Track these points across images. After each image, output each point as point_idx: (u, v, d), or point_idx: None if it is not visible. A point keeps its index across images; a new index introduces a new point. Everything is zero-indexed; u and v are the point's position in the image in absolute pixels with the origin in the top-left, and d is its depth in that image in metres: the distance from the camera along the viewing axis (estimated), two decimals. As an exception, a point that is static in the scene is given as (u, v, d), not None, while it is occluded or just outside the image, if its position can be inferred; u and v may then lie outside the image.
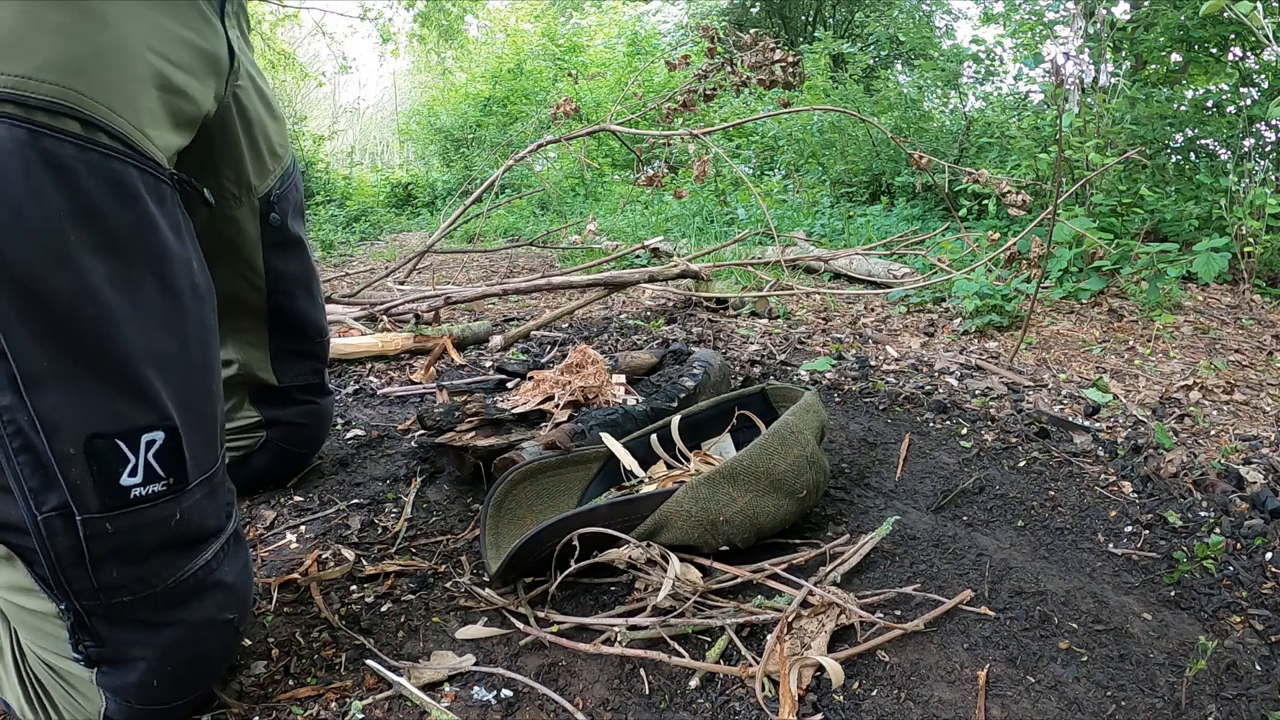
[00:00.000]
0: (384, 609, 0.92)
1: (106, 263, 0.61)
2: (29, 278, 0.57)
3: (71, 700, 0.69)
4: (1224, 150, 3.90)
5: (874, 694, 0.78)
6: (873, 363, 1.96)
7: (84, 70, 0.61)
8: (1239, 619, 0.93)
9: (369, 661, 0.83)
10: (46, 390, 0.57)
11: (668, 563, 0.90)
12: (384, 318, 2.24)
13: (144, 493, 0.62)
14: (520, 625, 0.87)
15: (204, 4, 0.78)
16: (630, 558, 0.93)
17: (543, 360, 1.89)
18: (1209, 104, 4.03)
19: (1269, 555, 1.06)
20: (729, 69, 2.53)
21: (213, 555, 0.70)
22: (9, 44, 0.58)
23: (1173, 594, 0.98)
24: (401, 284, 2.95)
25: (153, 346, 0.64)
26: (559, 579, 0.91)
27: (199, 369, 0.69)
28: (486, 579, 0.97)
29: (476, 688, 0.79)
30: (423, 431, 1.34)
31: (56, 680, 0.69)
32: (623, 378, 1.45)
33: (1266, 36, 2.00)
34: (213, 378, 0.71)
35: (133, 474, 0.61)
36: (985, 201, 3.84)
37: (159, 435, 0.63)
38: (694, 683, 0.79)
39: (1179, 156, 4.06)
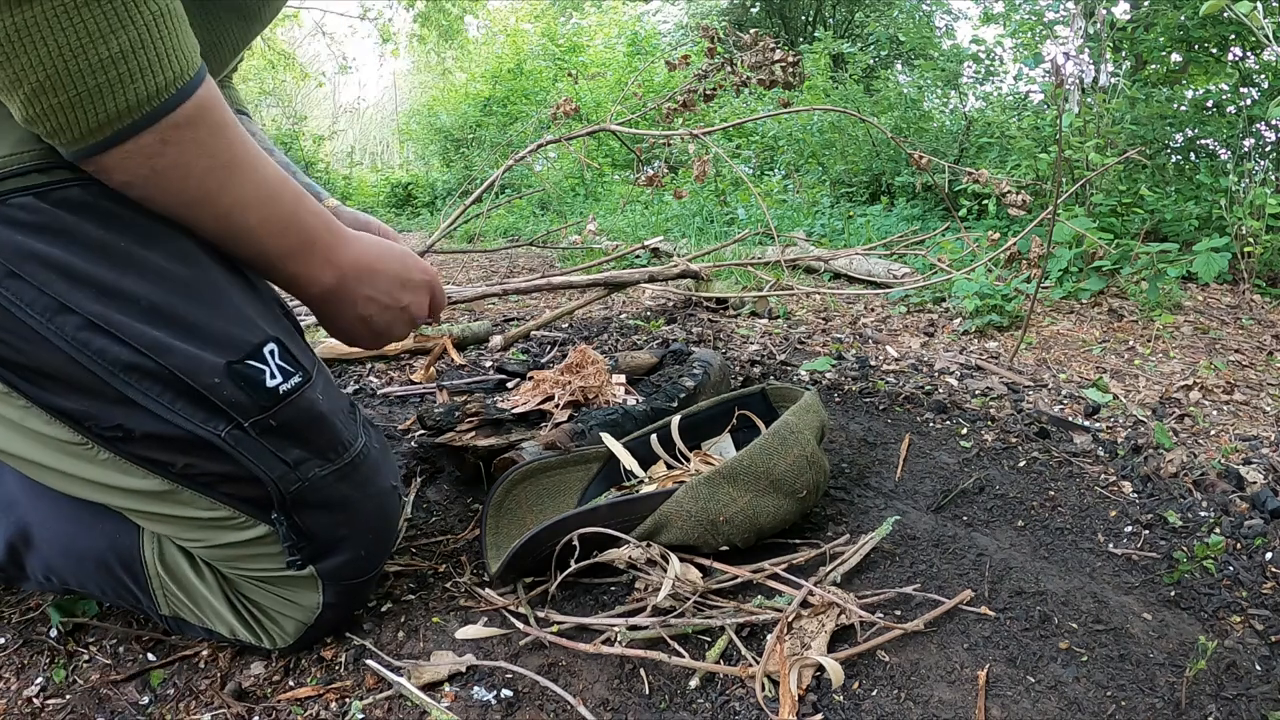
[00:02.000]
0: (384, 609, 0.92)
1: (156, 248, 0.71)
2: (109, 283, 0.68)
3: (290, 603, 0.81)
4: (1224, 150, 3.90)
5: (874, 694, 0.78)
6: (873, 363, 1.96)
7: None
8: (1239, 619, 0.93)
9: (369, 661, 0.83)
10: (172, 351, 0.69)
11: (668, 563, 0.90)
12: (384, 318, 2.23)
13: (289, 386, 0.75)
14: (520, 625, 0.87)
15: None
16: (630, 558, 0.93)
17: (543, 360, 1.89)
18: (1209, 104, 4.03)
19: (1269, 555, 1.06)
20: (729, 69, 2.53)
21: (366, 436, 0.83)
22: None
23: (1173, 594, 0.98)
24: (401, 284, 2.94)
25: (230, 287, 0.75)
26: (559, 579, 0.91)
27: (252, 295, 0.79)
28: (486, 579, 0.97)
29: (476, 688, 0.79)
30: (423, 431, 1.34)
31: (274, 591, 0.81)
32: (623, 378, 1.45)
33: (1266, 36, 2.00)
34: (269, 301, 0.82)
35: (273, 377, 0.74)
36: (985, 201, 3.84)
37: (274, 344, 0.75)
38: (694, 683, 0.79)
39: (1179, 156, 4.06)
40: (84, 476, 0.73)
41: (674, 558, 0.90)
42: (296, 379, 0.76)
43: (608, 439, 1.13)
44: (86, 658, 0.85)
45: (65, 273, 0.66)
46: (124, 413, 0.69)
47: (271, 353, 0.75)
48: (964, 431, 1.50)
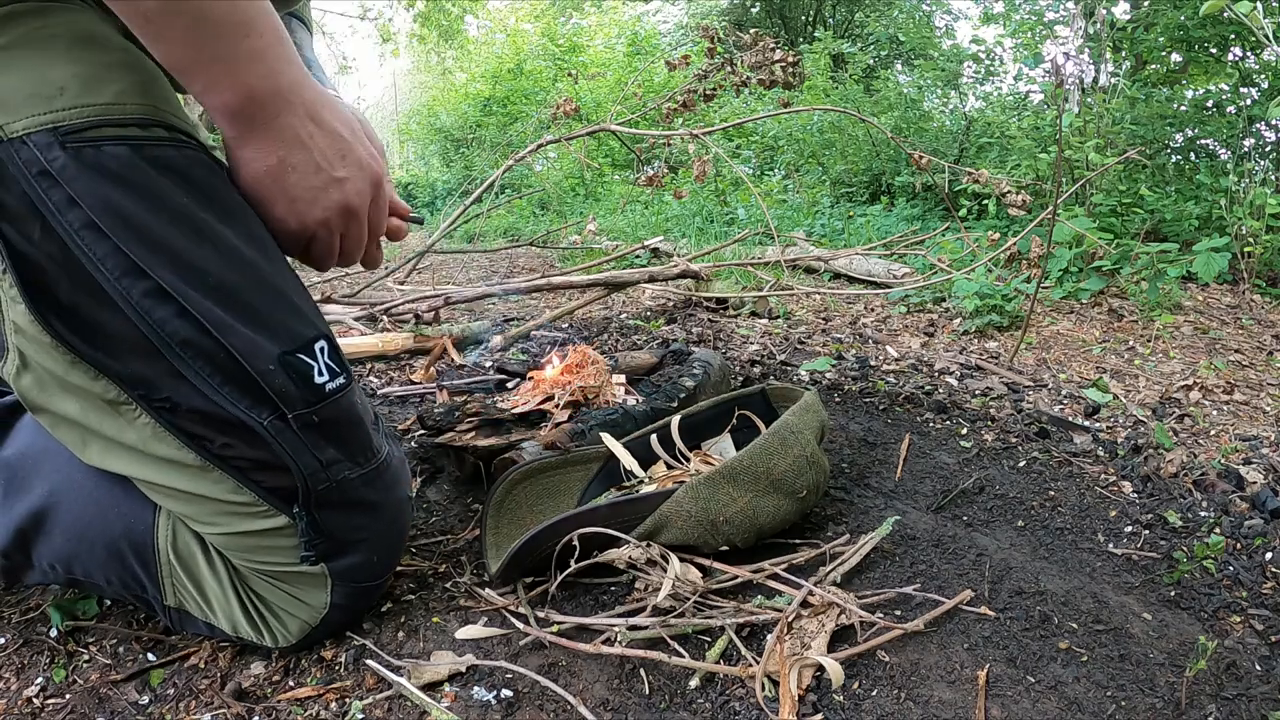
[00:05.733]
0: (384, 609, 0.92)
1: (232, 226, 0.72)
2: (185, 253, 0.68)
3: (297, 601, 0.82)
4: (1224, 150, 3.91)
5: (874, 694, 0.78)
6: (873, 363, 1.96)
7: (149, 89, 0.70)
8: (1239, 619, 0.93)
9: (369, 661, 0.83)
10: (234, 332, 0.70)
11: (668, 563, 0.90)
12: (384, 318, 2.24)
13: (334, 386, 0.76)
14: (520, 625, 0.87)
15: None
16: (630, 558, 0.93)
17: (543, 360, 1.89)
18: (1209, 104, 4.03)
19: (1269, 555, 1.06)
20: (729, 69, 2.53)
21: (389, 445, 0.85)
22: (88, 81, 0.66)
23: (1173, 594, 0.98)
24: (401, 284, 2.95)
25: (289, 279, 0.77)
26: (559, 579, 0.91)
27: (306, 292, 0.81)
28: (486, 579, 0.97)
29: (476, 688, 0.79)
30: (423, 431, 1.34)
31: (283, 587, 0.81)
32: (623, 378, 1.45)
33: (1266, 36, 2.00)
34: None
35: (320, 374, 0.75)
36: (985, 201, 3.84)
37: (324, 342, 0.76)
38: (694, 683, 0.79)
39: (1179, 156, 4.06)
40: (120, 440, 0.73)
41: (674, 558, 0.90)
42: (341, 379, 0.77)
43: (608, 439, 1.13)
44: (86, 658, 0.85)
45: (143, 235, 0.66)
46: (173, 384, 0.70)
47: (321, 350, 0.76)
48: (964, 431, 1.50)
